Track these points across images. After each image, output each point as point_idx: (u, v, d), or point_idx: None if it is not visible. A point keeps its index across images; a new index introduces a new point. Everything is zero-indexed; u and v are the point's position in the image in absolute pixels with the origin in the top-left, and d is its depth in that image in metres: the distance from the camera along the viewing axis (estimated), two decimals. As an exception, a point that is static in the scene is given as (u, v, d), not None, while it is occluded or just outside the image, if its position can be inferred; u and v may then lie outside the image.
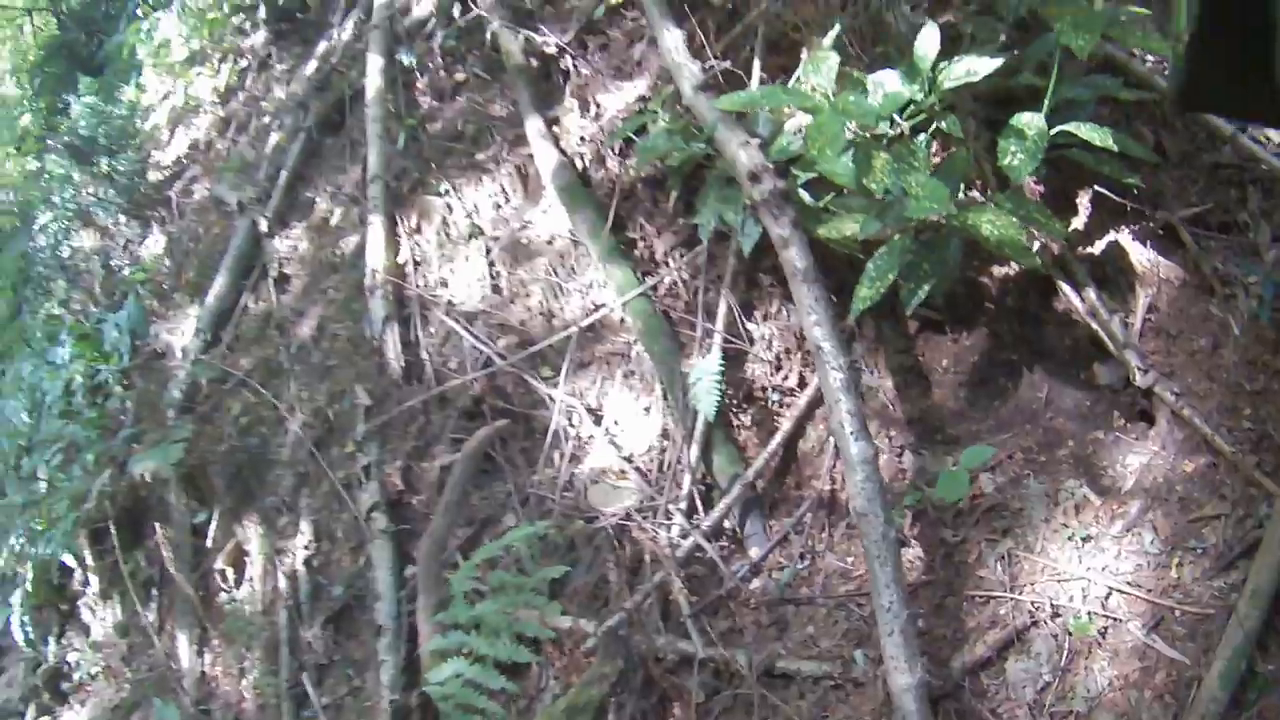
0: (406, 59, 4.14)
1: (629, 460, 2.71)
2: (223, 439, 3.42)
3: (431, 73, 4.18)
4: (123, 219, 6.16)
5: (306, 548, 2.99)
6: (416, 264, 3.53)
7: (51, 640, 4.96)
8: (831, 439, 2.52)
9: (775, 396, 2.72)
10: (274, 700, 3.01)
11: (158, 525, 3.68)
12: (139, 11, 7.55)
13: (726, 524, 2.56)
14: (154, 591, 4.08)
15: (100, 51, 10.33)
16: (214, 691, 3.64)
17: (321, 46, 5.04)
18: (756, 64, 2.89)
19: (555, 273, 3.11)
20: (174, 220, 5.42)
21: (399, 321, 3.22)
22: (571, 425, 2.80)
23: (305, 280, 3.79)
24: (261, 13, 5.75)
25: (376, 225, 3.62)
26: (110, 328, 4.54)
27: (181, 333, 4.20)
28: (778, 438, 2.60)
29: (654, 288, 2.88)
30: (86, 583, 4.78)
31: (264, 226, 4.22)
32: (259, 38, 5.76)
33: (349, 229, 3.99)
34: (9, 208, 9.78)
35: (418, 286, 3.36)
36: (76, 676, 4.79)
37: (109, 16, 11.25)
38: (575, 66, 3.43)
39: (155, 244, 5.46)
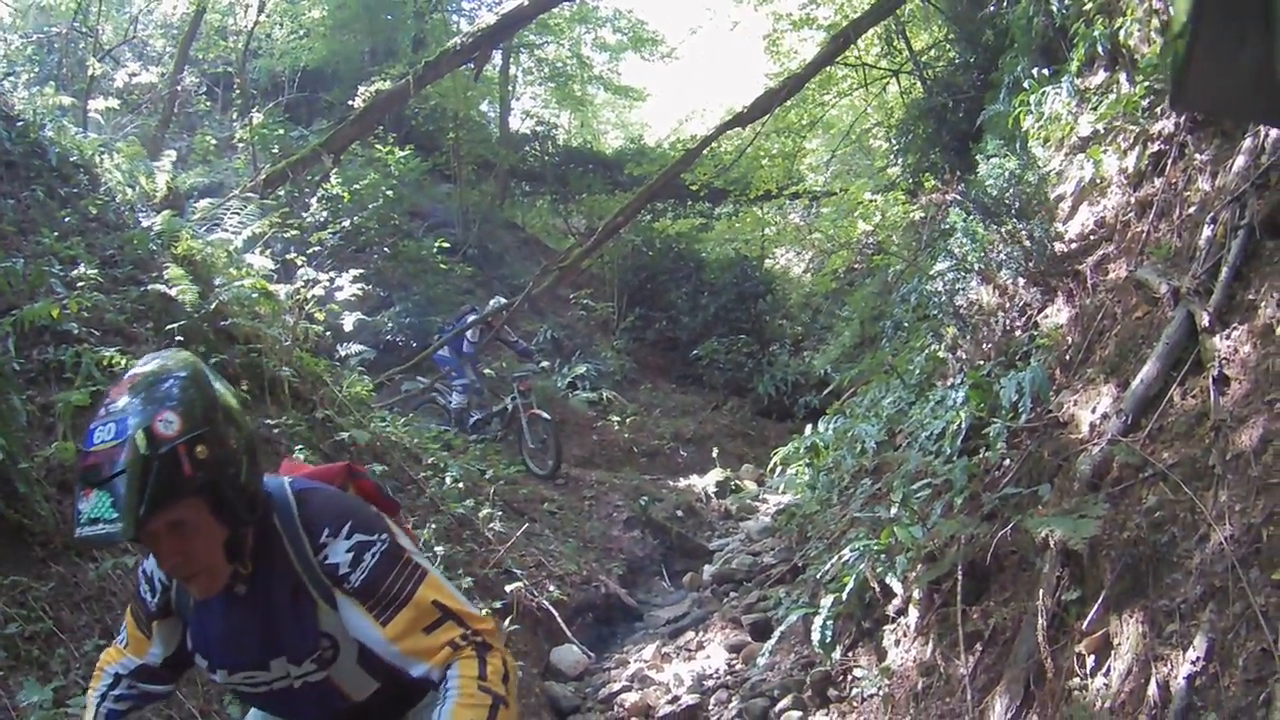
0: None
1: None
2: (1126, 527, 3.92)
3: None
4: (1022, 282, 7.19)
5: (1193, 663, 3.29)
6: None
7: (839, 649, 6.16)
8: None
9: None
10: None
11: (1019, 589, 4.38)
12: (1026, 85, 8.62)
13: None
14: (978, 647, 4.84)
15: (972, 117, 12.07)
16: (1010, 766, 4.21)
17: (1248, 141, 5.25)
18: None
19: None
20: (1084, 295, 6.17)
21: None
22: None
23: (1247, 386, 4.06)
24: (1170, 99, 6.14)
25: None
26: (1011, 385, 5.43)
27: (1093, 409, 4.85)
28: None
29: None
30: (902, 613, 5.83)
31: (1203, 321, 4.61)
32: (1168, 124, 6.16)
33: (1303, 345, 4.16)
34: (895, 247, 12.07)
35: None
36: (851, 690, 5.89)
37: (979, 85, 13.03)
38: None
39: (1059, 314, 6.29)
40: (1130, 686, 3.58)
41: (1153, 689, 3.39)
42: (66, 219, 6.88)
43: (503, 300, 11.92)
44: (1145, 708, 3.38)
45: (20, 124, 7.54)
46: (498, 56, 20.23)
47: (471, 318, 11.49)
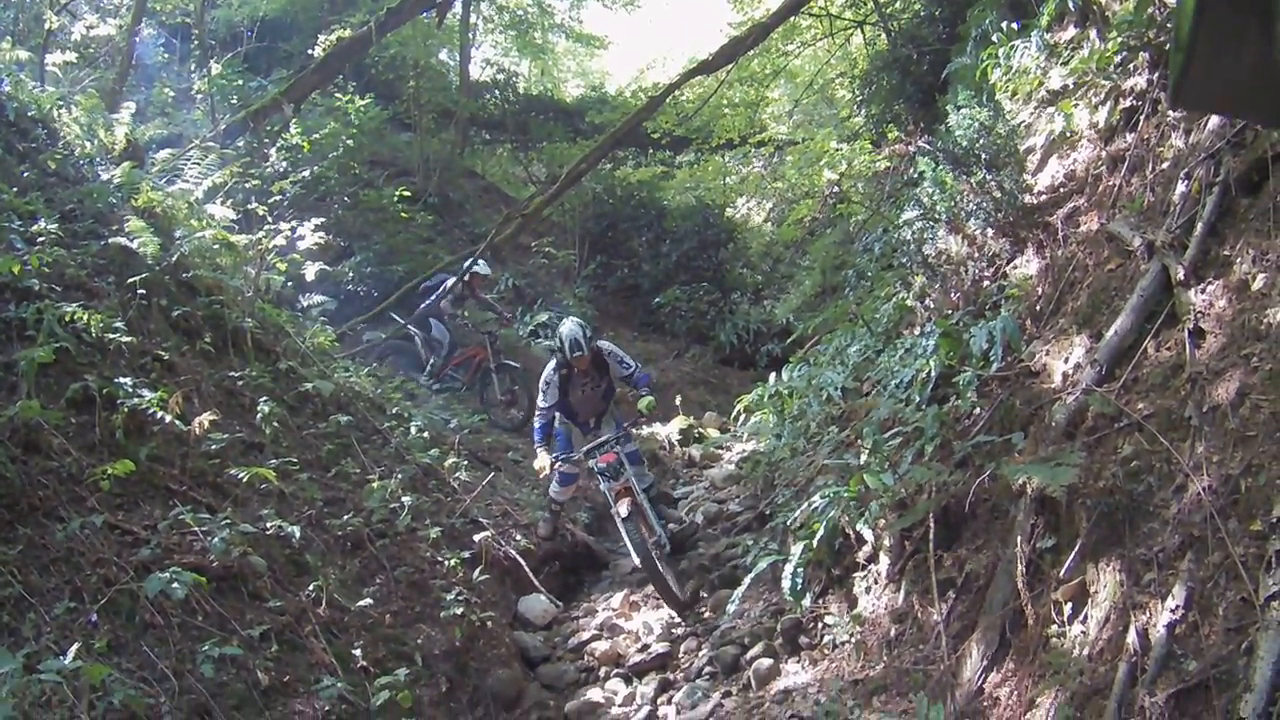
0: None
1: None
2: (1101, 476, 3.89)
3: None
4: (991, 232, 7.13)
5: (1173, 612, 3.29)
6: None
7: (809, 596, 6.14)
8: None
9: None
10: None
11: (992, 537, 4.35)
12: (995, 38, 8.53)
13: None
14: (951, 594, 4.84)
15: (936, 69, 11.94)
16: (984, 710, 4.21)
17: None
18: None
19: None
20: (1054, 246, 6.12)
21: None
22: None
23: (1223, 340, 4.04)
24: (1146, 56, 6.10)
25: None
26: (981, 333, 5.38)
27: (1065, 359, 4.81)
28: None
29: None
30: (873, 560, 5.81)
31: (1178, 275, 4.57)
32: (1141, 80, 6.10)
33: (1277, 299, 4.13)
34: (859, 197, 11.99)
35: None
36: (822, 637, 5.88)
37: (945, 38, 12.92)
38: None
39: (1028, 264, 6.24)
40: (1109, 634, 3.57)
41: (1132, 637, 3.38)
42: (25, 174, 6.60)
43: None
44: (1125, 655, 3.37)
45: (-25, 80, 7.19)
46: (458, 4, 19.66)
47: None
